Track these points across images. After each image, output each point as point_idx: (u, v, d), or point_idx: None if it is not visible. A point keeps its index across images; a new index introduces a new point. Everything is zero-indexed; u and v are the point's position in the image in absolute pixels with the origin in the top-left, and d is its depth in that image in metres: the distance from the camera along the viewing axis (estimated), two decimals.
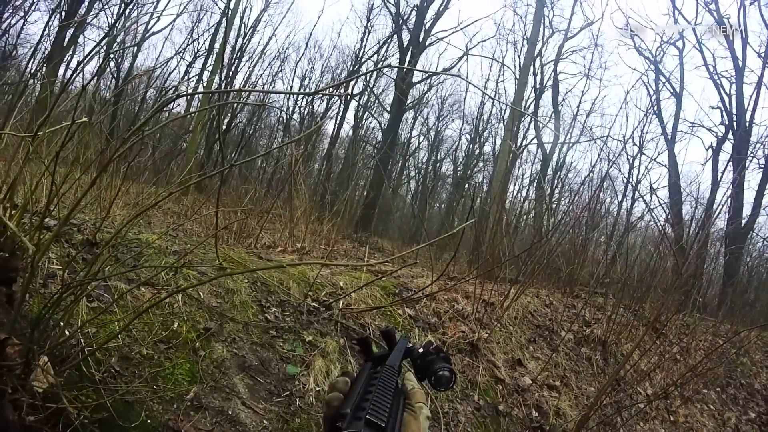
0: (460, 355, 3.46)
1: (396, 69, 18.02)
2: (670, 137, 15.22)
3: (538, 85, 19.36)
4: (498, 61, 21.25)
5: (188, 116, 15.08)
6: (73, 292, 1.82)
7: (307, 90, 19.19)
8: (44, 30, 12.26)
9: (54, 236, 1.97)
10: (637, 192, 12.72)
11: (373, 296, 3.45)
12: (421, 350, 1.05)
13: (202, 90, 15.18)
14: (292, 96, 20.15)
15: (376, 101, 21.22)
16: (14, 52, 14.70)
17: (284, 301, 3.00)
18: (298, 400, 2.51)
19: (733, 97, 13.81)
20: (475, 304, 3.97)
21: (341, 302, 3.19)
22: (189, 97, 15.35)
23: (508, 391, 3.51)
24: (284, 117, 20.00)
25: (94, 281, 1.98)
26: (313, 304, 3.08)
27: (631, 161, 16.15)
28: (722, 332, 6.68)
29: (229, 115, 17.24)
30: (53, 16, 13.03)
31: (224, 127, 16.65)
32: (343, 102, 19.11)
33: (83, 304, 2.25)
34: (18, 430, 1.70)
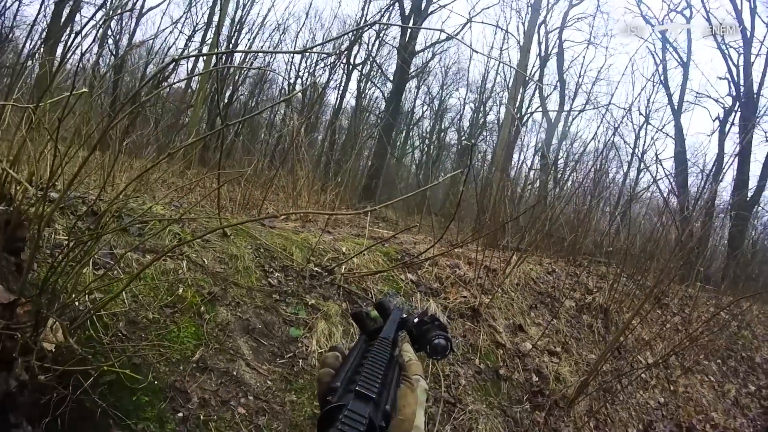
0: (462, 319, 3.50)
1: (398, 38, 17.72)
2: (676, 107, 15.04)
3: (542, 53, 19.07)
4: (502, 29, 20.82)
5: (189, 88, 14.96)
6: (78, 254, 1.84)
7: (305, 58, 19.04)
8: (40, 8, 12.06)
9: (56, 204, 2.00)
10: (642, 163, 12.63)
11: (376, 261, 3.48)
12: (416, 320, 1.03)
13: (200, 58, 14.97)
14: (293, 67, 19.95)
15: (379, 70, 20.93)
16: (11, 35, 14.48)
17: (287, 266, 3.03)
18: (300, 361, 2.57)
19: (741, 68, 13.56)
20: (477, 270, 4.00)
21: (343, 267, 3.22)
22: (190, 71, 15.20)
23: (508, 355, 3.57)
24: (287, 90, 19.81)
25: (94, 239, 2.00)
26: (316, 269, 3.11)
27: (637, 131, 16.03)
28: (724, 304, 6.73)
29: (231, 88, 17.10)
30: None
31: (225, 101, 16.53)
32: (341, 65, 18.81)
33: (90, 272, 2.29)
34: (29, 389, 1.75)
